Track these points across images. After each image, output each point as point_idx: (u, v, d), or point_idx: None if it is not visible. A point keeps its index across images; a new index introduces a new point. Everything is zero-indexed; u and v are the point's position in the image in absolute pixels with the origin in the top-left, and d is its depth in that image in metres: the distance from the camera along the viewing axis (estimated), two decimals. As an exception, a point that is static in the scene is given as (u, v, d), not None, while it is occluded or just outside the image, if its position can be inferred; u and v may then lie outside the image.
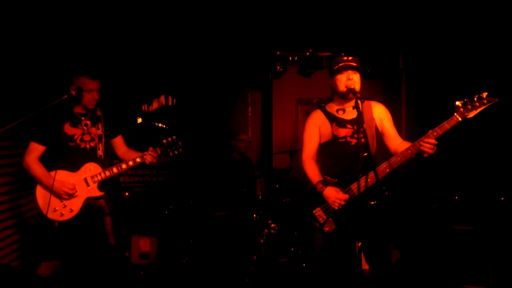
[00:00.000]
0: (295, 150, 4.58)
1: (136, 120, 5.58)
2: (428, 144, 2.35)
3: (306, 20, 4.42)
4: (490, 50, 4.20)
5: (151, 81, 5.58)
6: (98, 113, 3.09)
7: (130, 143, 3.28)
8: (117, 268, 3.17)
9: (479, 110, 2.31)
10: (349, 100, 2.64)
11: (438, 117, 2.40)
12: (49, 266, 3.89)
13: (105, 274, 3.07)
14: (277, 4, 4.10)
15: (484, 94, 2.30)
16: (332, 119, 2.66)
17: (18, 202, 3.85)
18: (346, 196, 2.49)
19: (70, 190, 2.87)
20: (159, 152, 3.03)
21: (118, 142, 3.19)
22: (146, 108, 5.64)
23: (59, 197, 2.90)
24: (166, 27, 4.56)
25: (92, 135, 3.01)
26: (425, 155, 2.38)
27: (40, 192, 2.92)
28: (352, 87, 2.53)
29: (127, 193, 4.85)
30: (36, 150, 2.92)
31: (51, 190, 2.86)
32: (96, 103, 3.00)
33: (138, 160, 2.99)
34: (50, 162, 2.95)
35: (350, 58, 2.59)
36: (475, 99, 2.31)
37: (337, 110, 2.69)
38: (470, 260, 3.61)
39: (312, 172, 2.65)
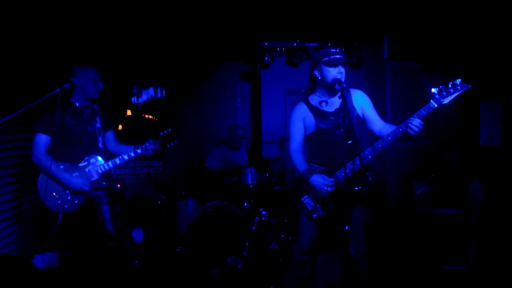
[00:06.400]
0: (284, 140, 4.68)
1: (126, 113, 5.61)
2: (415, 123, 2.43)
3: (293, 11, 4.47)
4: (470, 40, 4.37)
5: (141, 74, 5.60)
6: (95, 107, 3.15)
7: (119, 136, 3.34)
8: (113, 258, 3.23)
9: (453, 96, 2.43)
10: (333, 91, 2.70)
11: (421, 103, 2.51)
12: (43, 258, 3.94)
13: (101, 264, 3.15)
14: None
15: (458, 81, 2.41)
16: (316, 112, 2.73)
17: (20, 194, 3.88)
18: (332, 182, 2.59)
19: (89, 186, 2.94)
20: (158, 144, 3.10)
21: (110, 137, 3.24)
22: (136, 100, 5.66)
23: (66, 189, 2.94)
24: (155, 19, 4.57)
25: (93, 127, 3.06)
26: (410, 135, 2.47)
27: (43, 184, 2.91)
28: (339, 77, 2.61)
29: (118, 185, 4.90)
30: (43, 141, 2.89)
31: (61, 182, 2.89)
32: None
33: (139, 151, 3.06)
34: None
35: (339, 51, 2.65)
36: (450, 85, 2.42)
37: (320, 102, 2.75)
38: (451, 241, 3.78)
39: (299, 162, 2.74)
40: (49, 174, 2.84)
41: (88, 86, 2.98)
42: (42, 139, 2.90)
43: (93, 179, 2.99)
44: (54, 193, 2.93)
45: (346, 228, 2.33)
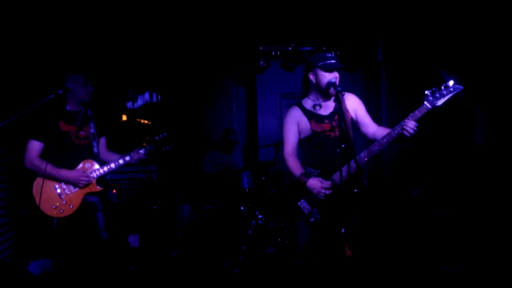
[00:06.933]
0: (280, 143, 4.68)
1: (121, 118, 5.59)
2: (410, 125, 2.45)
3: (288, 15, 4.50)
4: (465, 44, 4.42)
5: (135, 78, 5.59)
6: (89, 112, 3.14)
7: (115, 141, 3.34)
8: (108, 264, 3.21)
9: (447, 98, 2.44)
10: (327, 95, 2.70)
11: (415, 106, 2.52)
12: (38, 264, 3.91)
13: (97, 270, 3.13)
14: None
15: (451, 83, 2.43)
16: (310, 115, 2.73)
17: (14, 200, 3.86)
18: (329, 185, 2.58)
19: (88, 178, 2.92)
20: (154, 148, 3.10)
21: (102, 143, 3.23)
22: (131, 105, 5.65)
23: (61, 193, 2.92)
24: (150, 24, 4.58)
25: (87, 132, 3.05)
26: (405, 137, 2.47)
27: (38, 189, 2.87)
28: (334, 81, 2.62)
29: (114, 190, 4.88)
30: (35, 147, 2.89)
31: (59, 179, 2.88)
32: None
33: (133, 155, 3.06)
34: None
35: (335, 55, 2.66)
36: (443, 87, 2.44)
37: (314, 106, 2.74)
38: (449, 243, 3.80)
39: (294, 166, 2.72)
40: (45, 175, 2.82)
41: (79, 90, 2.98)
42: (35, 145, 2.90)
43: (89, 183, 2.98)
44: (49, 198, 2.91)
45: (343, 231, 2.34)
